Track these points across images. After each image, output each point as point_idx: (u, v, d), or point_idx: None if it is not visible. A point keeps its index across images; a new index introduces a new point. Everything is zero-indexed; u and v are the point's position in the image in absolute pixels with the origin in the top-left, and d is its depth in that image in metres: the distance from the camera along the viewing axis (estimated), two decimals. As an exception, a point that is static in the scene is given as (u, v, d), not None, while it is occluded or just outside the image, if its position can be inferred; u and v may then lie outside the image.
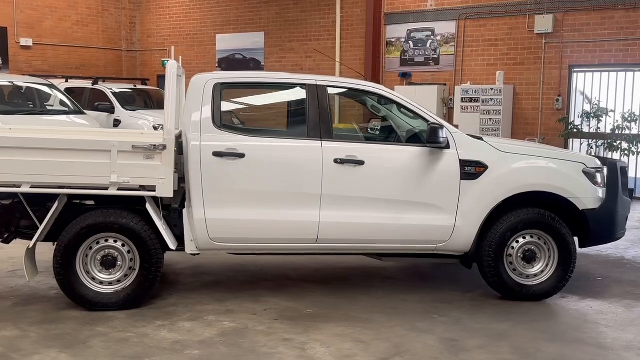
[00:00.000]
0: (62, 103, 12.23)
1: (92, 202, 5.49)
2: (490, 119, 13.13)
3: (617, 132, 11.74)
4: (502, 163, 5.58)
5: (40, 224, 5.15)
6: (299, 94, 5.55)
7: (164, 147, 5.08)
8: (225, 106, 5.48)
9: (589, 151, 11.86)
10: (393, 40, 14.95)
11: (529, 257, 5.65)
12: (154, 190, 5.12)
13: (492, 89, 13.10)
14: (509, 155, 5.64)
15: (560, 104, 12.66)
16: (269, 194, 5.31)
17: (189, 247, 5.36)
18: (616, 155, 11.61)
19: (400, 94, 13.95)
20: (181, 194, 5.37)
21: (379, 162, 5.45)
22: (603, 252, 7.54)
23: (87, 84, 14.49)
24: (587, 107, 12.32)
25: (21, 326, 4.82)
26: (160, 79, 18.43)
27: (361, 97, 6.32)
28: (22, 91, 12.47)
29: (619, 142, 11.73)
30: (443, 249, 5.61)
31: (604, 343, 4.74)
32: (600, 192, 5.76)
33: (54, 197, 5.16)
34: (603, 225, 5.74)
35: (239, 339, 4.66)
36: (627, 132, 11.62)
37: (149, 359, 4.29)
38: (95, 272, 5.20)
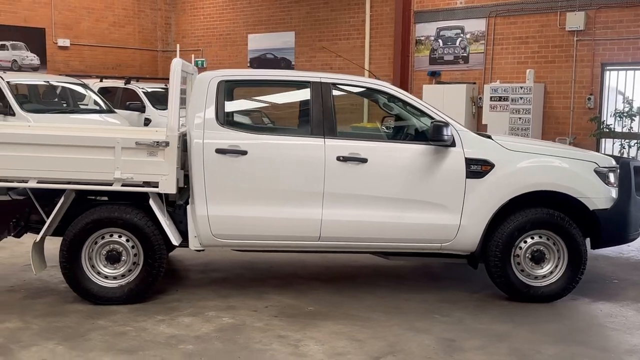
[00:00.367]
0: (94, 102, 12.50)
1: (105, 198, 5.60)
2: (520, 118, 12.91)
3: (650, 131, 11.42)
4: (509, 161, 5.47)
5: (54, 219, 5.28)
6: (303, 91, 5.54)
7: (167, 143, 5.14)
8: (230, 103, 5.50)
9: (622, 151, 11.55)
10: (422, 38, 14.82)
11: (538, 258, 5.53)
12: (157, 187, 5.19)
13: (521, 87, 12.87)
14: (517, 153, 5.53)
15: (592, 103, 12.36)
16: (271, 191, 5.32)
17: (193, 243, 5.42)
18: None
19: (429, 92, 13.84)
20: (188, 190, 5.42)
21: (382, 159, 5.41)
22: (624, 254, 7.34)
23: (120, 83, 14.77)
24: (620, 106, 11.99)
25: (26, 318, 4.94)
26: (193, 79, 18.63)
27: (371, 96, 6.28)
28: (56, 90, 12.82)
29: (652, 141, 11.40)
30: (448, 249, 5.54)
31: (607, 346, 4.61)
32: (613, 192, 5.60)
33: (62, 192, 5.27)
34: (615, 226, 5.58)
35: (235, 334, 4.69)
36: (661, 131, 11.29)
37: (142, 352, 4.35)
38: (101, 266, 5.30)
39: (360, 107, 13.74)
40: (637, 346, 4.60)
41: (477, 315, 5.20)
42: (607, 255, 7.18)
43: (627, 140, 11.70)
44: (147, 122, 13.70)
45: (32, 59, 17.45)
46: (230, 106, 5.52)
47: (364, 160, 5.35)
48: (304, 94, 5.52)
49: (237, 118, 5.68)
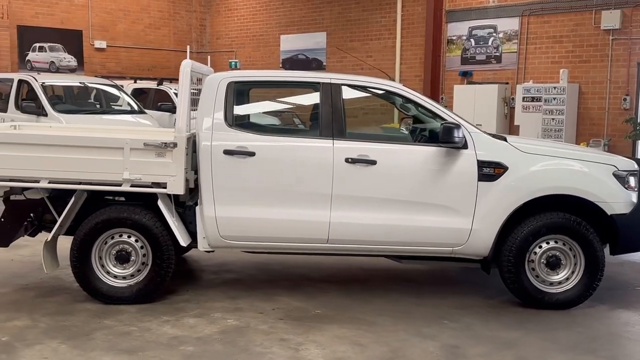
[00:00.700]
0: (127, 104, 12.69)
1: (122, 199, 5.64)
2: (553, 119, 12.63)
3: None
4: (523, 164, 5.33)
5: (65, 219, 5.35)
6: (312, 92, 5.50)
7: (175, 144, 5.16)
8: (239, 104, 5.49)
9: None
10: (454, 38, 14.63)
11: (553, 264, 5.37)
12: (165, 187, 5.21)
13: (555, 87, 12.60)
14: (531, 156, 5.38)
15: (628, 103, 12.01)
16: (279, 193, 5.29)
17: (201, 244, 5.42)
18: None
19: (461, 92, 13.65)
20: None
21: (391, 162, 5.33)
22: (652, 261, 7.09)
23: (154, 85, 14.97)
24: (657, 107, 11.63)
25: (34, 316, 5.01)
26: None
27: (385, 97, 6.18)
28: (90, 92, 13.06)
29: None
30: (460, 253, 5.42)
31: (617, 355, 4.46)
32: (634, 196, 5.41)
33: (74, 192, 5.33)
34: (635, 231, 5.38)
35: (237, 337, 4.67)
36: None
37: (142, 353, 4.36)
38: (110, 266, 5.34)
39: (391, 108, 13.63)
40: (651, 357, 4.43)
41: (487, 322, 5.07)
42: (634, 261, 6.94)
43: (664, 142, 11.34)
44: (177, 122, 13.82)
45: (70, 60, 17.82)
46: (239, 107, 5.50)
47: (373, 162, 5.27)
48: (314, 95, 5.47)
49: (246, 119, 5.66)
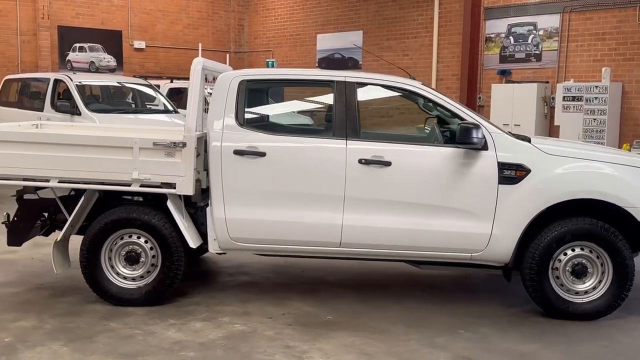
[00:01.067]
0: (162, 103, 12.74)
1: (140, 199, 5.59)
2: (595, 119, 12.14)
3: None
4: (546, 167, 5.05)
5: (76, 218, 5.31)
6: (325, 91, 5.33)
7: (184, 144, 5.06)
8: (250, 103, 5.35)
9: None
10: (492, 35, 14.24)
11: (579, 272, 5.08)
12: (174, 188, 5.11)
13: (597, 86, 12.11)
14: (556, 158, 5.10)
15: (675, 103, 11.46)
16: (290, 195, 5.13)
17: (212, 246, 5.31)
18: None
19: (499, 91, 13.26)
20: None
21: (407, 163, 5.11)
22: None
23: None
24: None
25: (43, 317, 4.97)
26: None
27: (406, 96, 5.96)
28: (126, 91, 13.16)
29: None
30: (479, 259, 5.17)
31: (643, 374, 4.15)
32: (667, 202, 5.06)
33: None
34: (668, 239, 5.05)
35: (241, 342, 4.53)
36: None
37: (142, 357, 4.26)
38: (120, 267, 5.28)
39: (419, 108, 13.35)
40: (680, 375, 4.11)
41: (506, 333, 4.82)
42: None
43: None
44: (210, 122, 13.78)
45: (109, 60, 18.04)
46: (250, 106, 5.37)
47: (388, 164, 5.07)
48: (327, 94, 5.30)
49: (257, 119, 5.52)
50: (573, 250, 5.09)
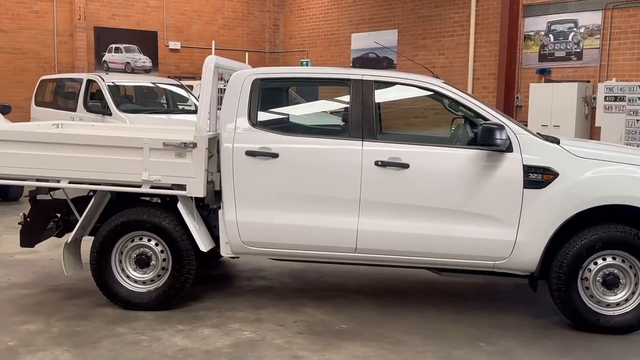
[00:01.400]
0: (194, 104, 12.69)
1: (158, 200, 5.48)
2: (638, 120, 11.63)
3: None
4: (576, 170, 4.75)
5: (87, 220, 5.23)
6: (341, 90, 5.11)
7: (195, 144, 4.91)
8: (264, 103, 5.17)
9: None
10: (531, 33, 13.80)
11: (611, 283, 4.76)
12: (185, 189, 4.97)
13: (640, 86, 11.59)
14: (587, 161, 4.79)
15: None
16: (303, 198, 4.94)
17: (224, 250, 5.15)
18: None
19: (537, 91, 12.82)
20: None
21: (426, 165, 4.86)
22: None
23: (223, 85, 14.93)
24: None
25: (50, 320, 4.88)
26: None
27: (428, 95, 5.70)
28: (158, 92, 13.16)
29: None
30: (503, 267, 4.89)
31: (676, 396, 3.82)
32: None
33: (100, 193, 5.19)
34: None
35: (247, 351, 4.36)
36: None
37: (143, 365, 4.13)
38: (130, 270, 5.16)
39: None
40: None
41: (529, 346, 4.53)
42: None
43: None
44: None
45: (145, 61, 18.13)
46: (264, 106, 5.18)
47: (406, 166, 4.83)
48: (343, 93, 5.09)
49: (271, 119, 5.32)
50: (604, 259, 4.77)
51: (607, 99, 12.01)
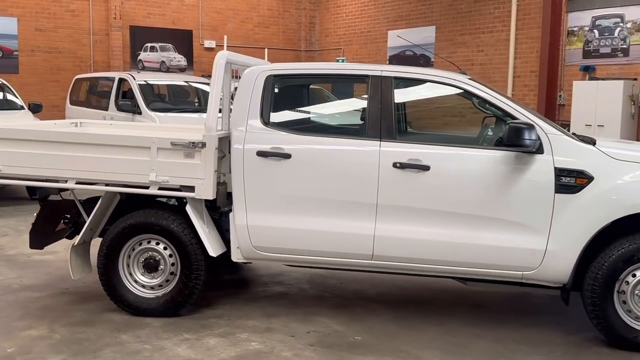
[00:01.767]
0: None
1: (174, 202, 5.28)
2: (688, 119, 10.99)
3: None
4: (613, 174, 4.36)
5: (95, 221, 5.05)
6: (359, 86, 4.82)
7: (203, 144, 4.67)
8: (277, 100, 4.90)
9: None
10: (575, 29, 13.22)
11: (651, 297, 4.36)
12: (194, 191, 4.74)
13: (691, 83, 10.96)
14: (625, 163, 4.39)
15: None
16: (316, 201, 4.65)
17: (235, 255, 4.90)
18: None
19: (581, 89, 12.26)
20: None
21: (448, 167, 4.53)
22: None
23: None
24: None
25: (54, 326, 4.71)
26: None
27: (454, 93, 5.35)
28: (190, 91, 13.05)
29: None
30: (531, 278, 4.52)
31: None
32: None
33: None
34: None
35: (252, 364, 4.10)
36: None
37: (141, 377, 3.91)
38: (138, 274, 4.96)
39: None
40: None
41: (558, 365, 4.17)
42: None
43: None
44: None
45: (180, 60, 18.09)
46: (277, 104, 4.91)
47: (426, 168, 4.51)
48: (361, 90, 4.78)
49: (284, 117, 5.04)
50: (644, 271, 4.37)
51: (655, 98, 11.40)
